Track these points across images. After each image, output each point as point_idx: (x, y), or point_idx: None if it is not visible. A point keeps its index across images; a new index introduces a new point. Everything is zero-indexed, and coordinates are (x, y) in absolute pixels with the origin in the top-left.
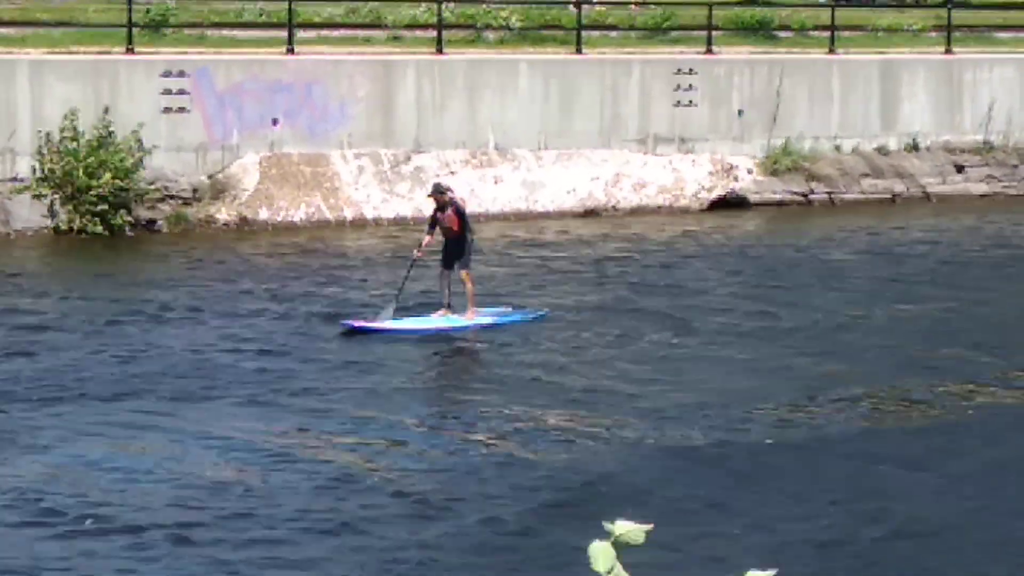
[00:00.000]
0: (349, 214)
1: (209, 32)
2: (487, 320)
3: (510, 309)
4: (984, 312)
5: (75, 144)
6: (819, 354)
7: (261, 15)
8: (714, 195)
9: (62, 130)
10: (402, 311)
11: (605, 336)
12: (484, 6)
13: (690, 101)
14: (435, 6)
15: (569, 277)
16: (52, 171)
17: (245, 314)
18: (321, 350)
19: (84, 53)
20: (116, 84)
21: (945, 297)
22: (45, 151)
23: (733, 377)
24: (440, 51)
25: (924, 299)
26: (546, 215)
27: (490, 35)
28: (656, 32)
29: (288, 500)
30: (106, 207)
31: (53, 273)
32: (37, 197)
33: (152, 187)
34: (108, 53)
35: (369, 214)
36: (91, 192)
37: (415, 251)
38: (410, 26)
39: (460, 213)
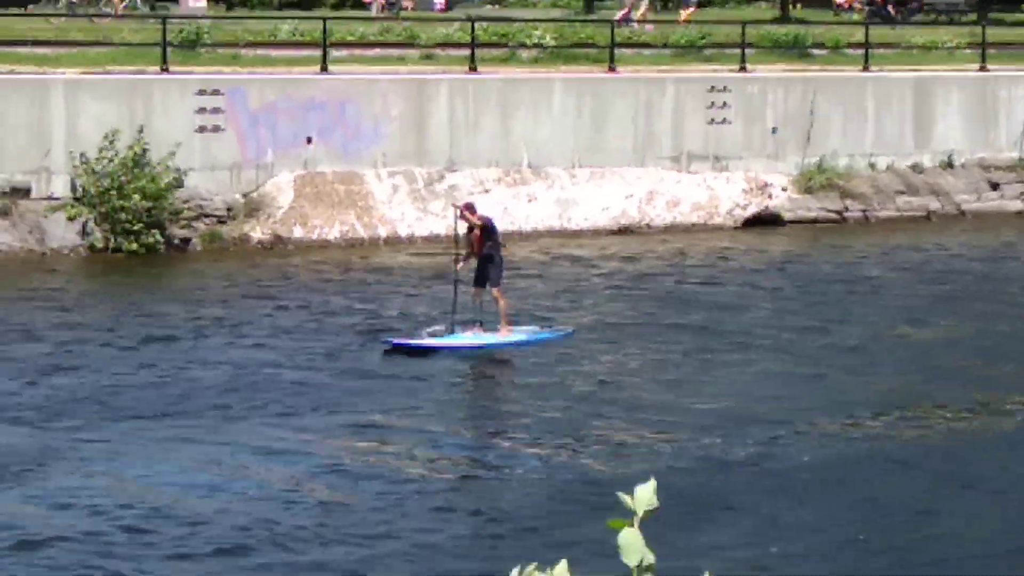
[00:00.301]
0: (383, 232)
1: (243, 51)
2: (521, 337)
3: (539, 328)
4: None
5: (111, 164)
6: (864, 370)
7: (295, 34)
8: (748, 212)
9: (100, 150)
10: (439, 329)
11: (645, 351)
12: (517, 24)
13: (724, 119)
14: (468, 25)
15: (606, 294)
16: (87, 190)
17: (282, 331)
18: (361, 366)
19: (119, 72)
20: (150, 103)
21: (986, 314)
22: (81, 170)
23: (778, 390)
24: (473, 69)
25: (965, 316)
26: (580, 233)
27: (523, 53)
28: (689, 50)
29: (341, 515)
30: (141, 226)
31: (89, 291)
32: (72, 217)
33: (186, 206)
34: (143, 72)
35: (403, 232)
36: (125, 211)
37: (456, 267)
38: (443, 44)
39: (487, 230)
